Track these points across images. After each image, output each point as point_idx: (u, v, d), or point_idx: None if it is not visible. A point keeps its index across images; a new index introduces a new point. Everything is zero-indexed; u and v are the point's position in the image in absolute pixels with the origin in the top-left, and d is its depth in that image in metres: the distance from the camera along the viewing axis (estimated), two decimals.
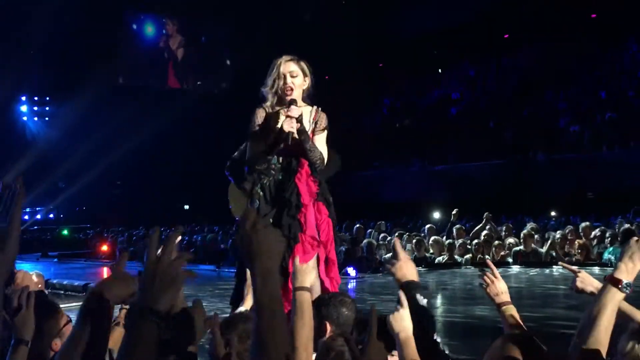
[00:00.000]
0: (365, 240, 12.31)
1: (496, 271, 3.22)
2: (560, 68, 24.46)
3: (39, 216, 29.21)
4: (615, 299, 2.22)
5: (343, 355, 2.38)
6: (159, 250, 1.75)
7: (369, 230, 14.31)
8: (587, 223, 12.09)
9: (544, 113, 23.60)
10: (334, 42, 23.03)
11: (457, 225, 13.05)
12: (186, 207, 28.52)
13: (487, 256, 11.77)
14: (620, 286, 2.22)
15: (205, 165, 25.22)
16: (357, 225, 13.93)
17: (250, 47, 24.12)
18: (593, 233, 11.25)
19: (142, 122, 23.64)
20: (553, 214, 16.05)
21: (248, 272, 4.11)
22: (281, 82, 4.57)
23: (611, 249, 10.41)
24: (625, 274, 2.24)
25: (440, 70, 29.89)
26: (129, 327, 1.73)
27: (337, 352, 2.41)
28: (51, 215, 29.96)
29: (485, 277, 3.20)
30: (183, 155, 26.38)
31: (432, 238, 12.23)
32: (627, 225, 11.23)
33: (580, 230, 11.59)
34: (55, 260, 17.58)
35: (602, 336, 2.17)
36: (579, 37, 23.60)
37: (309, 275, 2.82)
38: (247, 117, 4.77)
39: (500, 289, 3.16)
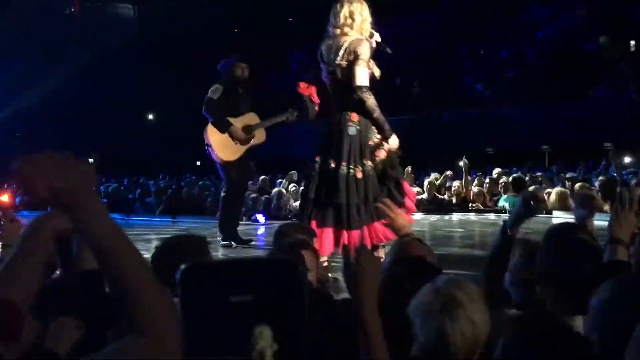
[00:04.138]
0: (275, 189, 12.50)
1: (394, 207, 3.51)
2: (468, 27, 24.96)
3: None
4: (624, 254, 2.55)
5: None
6: None
7: (279, 180, 14.58)
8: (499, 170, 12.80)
9: (451, 71, 24.22)
10: None
11: None
12: (91, 160, 27.73)
13: None
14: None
15: (112, 117, 24.65)
16: (262, 177, 14.11)
17: None
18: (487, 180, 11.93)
19: (43, 72, 22.83)
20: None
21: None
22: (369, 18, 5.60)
23: (505, 196, 11.00)
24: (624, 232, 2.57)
25: None
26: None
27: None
28: None
29: (387, 213, 3.47)
30: (87, 105, 25.55)
31: None
32: (517, 175, 11.85)
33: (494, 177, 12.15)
34: None
35: None
36: None
37: None
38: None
39: (401, 222, 3.44)
